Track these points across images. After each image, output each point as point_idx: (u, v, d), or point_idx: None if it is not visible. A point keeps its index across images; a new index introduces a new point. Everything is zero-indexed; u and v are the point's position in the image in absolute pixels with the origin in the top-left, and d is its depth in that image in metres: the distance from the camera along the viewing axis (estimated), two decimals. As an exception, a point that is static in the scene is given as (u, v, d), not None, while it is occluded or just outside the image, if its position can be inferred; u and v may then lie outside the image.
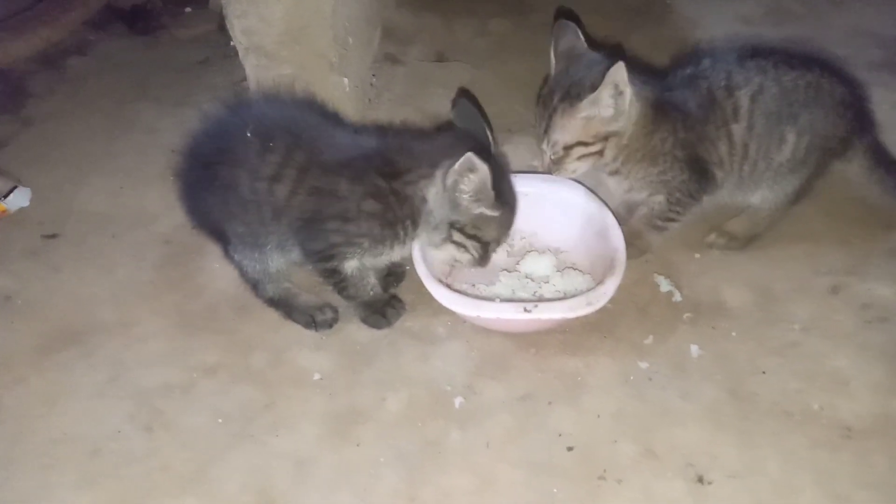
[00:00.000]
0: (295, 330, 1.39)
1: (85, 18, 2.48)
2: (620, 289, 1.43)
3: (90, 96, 2.25)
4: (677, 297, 1.44)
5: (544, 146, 1.37)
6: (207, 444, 1.19)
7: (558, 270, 1.48)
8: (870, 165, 1.48)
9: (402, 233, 1.29)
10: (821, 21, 2.44)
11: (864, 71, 1.68)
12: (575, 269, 1.45)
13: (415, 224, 1.28)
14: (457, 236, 1.27)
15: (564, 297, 1.36)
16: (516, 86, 2.19)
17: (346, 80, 1.78)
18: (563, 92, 1.32)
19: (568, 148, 1.34)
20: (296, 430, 1.21)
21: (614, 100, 1.28)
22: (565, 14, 1.74)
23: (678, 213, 1.44)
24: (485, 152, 1.23)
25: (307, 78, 1.71)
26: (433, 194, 1.25)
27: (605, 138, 1.33)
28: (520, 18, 2.62)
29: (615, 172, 1.41)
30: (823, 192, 1.54)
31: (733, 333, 1.36)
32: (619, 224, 1.42)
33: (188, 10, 2.68)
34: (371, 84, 2.12)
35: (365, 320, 1.39)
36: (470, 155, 1.16)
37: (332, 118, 1.46)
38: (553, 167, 1.39)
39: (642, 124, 1.34)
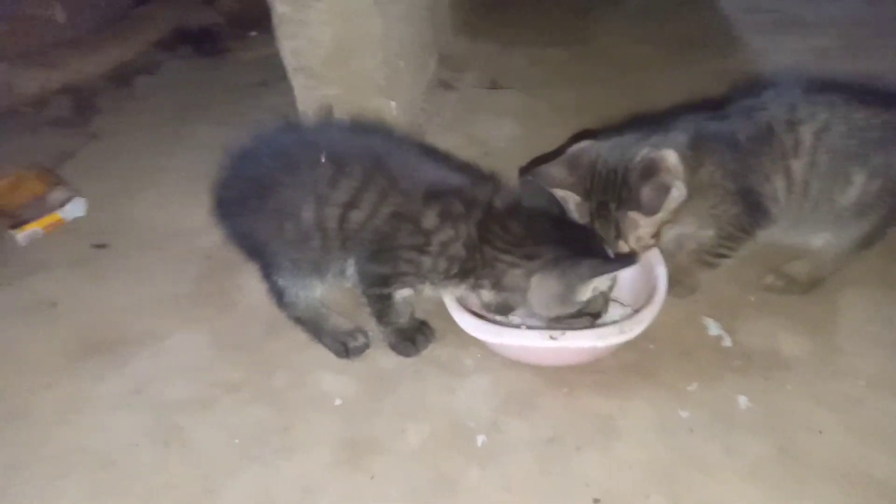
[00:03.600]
0: (320, 351, 1.36)
1: (155, 39, 2.59)
2: (664, 329, 1.35)
3: (153, 114, 2.33)
4: (727, 341, 1.34)
5: (622, 246, 1.30)
6: (218, 464, 1.16)
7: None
8: None
9: (476, 285, 1.24)
10: (896, 56, 2.30)
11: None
12: (615, 301, 1.37)
13: (495, 287, 1.23)
14: (562, 323, 1.23)
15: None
16: (567, 114, 2.15)
17: (393, 103, 1.77)
18: (618, 198, 1.24)
19: (655, 235, 1.28)
20: (309, 456, 1.17)
21: (677, 178, 1.22)
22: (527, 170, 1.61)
23: (730, 248, 1.35)
24: (586, 237, 1.22)
25: (353, 100, 1.71)
26: (532, 293, 1.19)
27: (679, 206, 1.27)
28: (577, 48, 2.59)
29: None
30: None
31: (788, 386, 1.24)
32: (668, 259, 1.34)
33: (253, 34, 2.77)
34: (422, 109, 2.11)
35: (394, 347, 1.34)
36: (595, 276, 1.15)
37: (411, 145, 1.42)
38: (642, 249, 1.32)
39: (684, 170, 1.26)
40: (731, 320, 1.38)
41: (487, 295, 1.24)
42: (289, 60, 1.67)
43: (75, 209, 1.80)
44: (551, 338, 1.16)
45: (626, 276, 1.39)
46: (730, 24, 2.73)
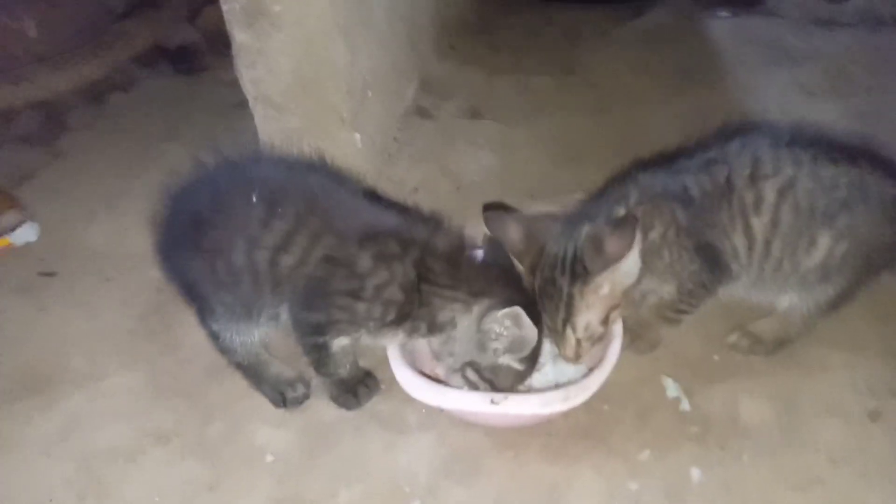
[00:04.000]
0: (259, 400, 1.30)
1: (132, 56, 2.54)
2: (621, 388, 1.29)
3: (123, 133, 2.28)
4: (685, 405, 1.27)
5: (570, 335, 1.20)
6: (136, 525, 1.10)
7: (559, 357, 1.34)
8: None
9: (412, 329, 1.18)
10: (889, 94, 2.23)
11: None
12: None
13: (430, 331, 1.17)
14: (470, 374, 1.17)
15: (545, 390, 1.22)
16: (546, 146, 2.10)
17: (357, 135, 1.71)
18: (570, 274, 1.16)
19: (604, 322, 1.20)
20: (233, 520, 1.11)
21: (631, 251, 1.13)
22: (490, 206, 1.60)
23: (690, 304, 1.29)
24: (531, 306, 1.14)
25: (315, 131, 1.66)
26: (464, 326, 1.15)
27: (631, 286, 1.21)
28: (565, 77, 2.53)
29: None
30: (877, 291, 1.35)
31: (745, 457, 1.18)
32: (629, 314, 1.28)
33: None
34: (394, 138, 2.06)
35: (334, 398, 1.28)
36: (520, 311, 1.08)
37: (351, 184, 1.35)
38: (586, 350, 1.22)
39: None
40: (691, 381, 1.31)
41: (434, 342, 1.18)
42: (248, 90, 1.62)
43: (27, 234, 1.75)
44: (493, 402, 1.10)
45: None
46: (721, 56, 2.67)
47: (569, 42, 2.79)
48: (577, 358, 1.20)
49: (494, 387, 1.18)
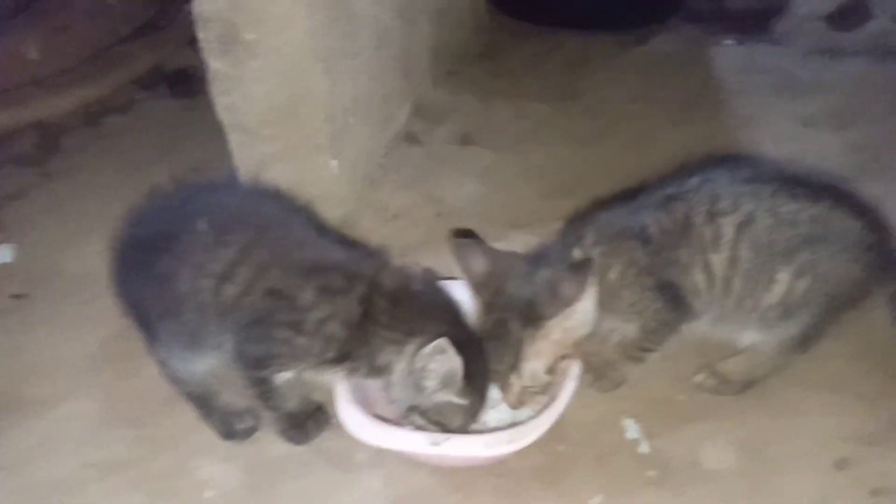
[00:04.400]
0: (210, 433, 1.28)
1: (130, 79, 2.57)
2: (580, 428, 1.25)
3: (117, 155, 2.30)
4: (644, 447, 1.22)
5: (514, 381, 1.17)
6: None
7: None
8: (893, 317, 1.23)
9: (352, 369, 1.15)
10: (893, 125, 2.17)
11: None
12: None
13: (371, 372, 1.14)
14: (417, 420, 1.13)
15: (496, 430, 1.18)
16: (536, 175, 2.07)
17: (334, 162, 1.70)
18: (522, 317, 1.13)
19: (550, 371, 1.17)
20: (165, 557, 1.08)
21: (585, 300, 1.12)
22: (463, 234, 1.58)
23: (654, 342, 1.25)
24: (463, 330, 1.12)
25: (290, 158, 1.66)
26: (399, 369, 1.11)
27: (583, 336, 1.18)
28: (561, 104, 2.50)
29: None
30: (858, 330, 1.30)
31: (702, 506, 1.12)
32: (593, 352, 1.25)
33: (229, 77, 2.73)
34: (379, 164, 2.05)
35: (283, 433, 1.25)
36: (443, 342, 1.04)
37: (303, 217, 1.33)
38: (529, 398, 1.19)
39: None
40: (653, 422, 1.26)
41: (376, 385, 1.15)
42: (223, 116, 1.62)
43: (2, 255, 1.76)
44: (433, 443, 1.06)
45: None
46: (722, 85, 2.63)
47: (571, 69, 2.76)
48: (519, 405, 1.17)
49: (446, 428, 1.14)
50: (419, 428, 1.14)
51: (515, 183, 2.05)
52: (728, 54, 2.79)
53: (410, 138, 2.25)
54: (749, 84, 2.57)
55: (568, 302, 1.10)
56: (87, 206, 2.01)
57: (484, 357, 1.14)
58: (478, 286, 1.20)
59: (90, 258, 1.77)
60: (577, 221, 1.30)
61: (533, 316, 1.12)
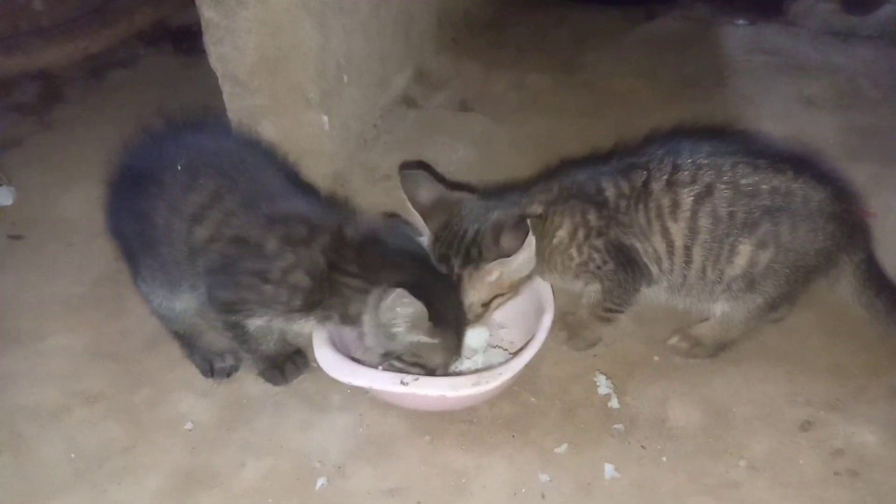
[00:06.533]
0: (190, 370, 1.31)
1: (133, 33, 2.58)
2: (552, 382, 1.28)
3: (117, 108, 2.32)
4: (614, 402, 1.24)
5: None
6: (46, 482, 1.12)
7: (492, 347, 1.33)
8: (857, 286, 1.24)
9: (323, 318, 1.17)
10: (893, 108, 2.16)
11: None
12: (500, 348, 1.30)
13: (343, 320, 1.16)
14: (395, 364, 1.15)
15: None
16: (529, 145, 2.07)
17: (325, 118, 1.72)
18: (463, 255, 1.16)
19: (486, 305, 1.20)
20: (139, 482, 1.12)
21: (522, 251, 1.14)
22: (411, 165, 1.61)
23: (616, 303, 1.27)
24: (427, 273, 1.14)
25: (279, 111, 1.67)
26: (367, 319, 1.13)
27: (519, 280, 1.21)
28: (562, 76, 2.49)
29: (539, 274, 1.26)
30: (827, 301, 1.32)
31: (664, 458, 1.15)
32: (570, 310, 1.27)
33: (233, 35, 2.74)
34: (374, 125, 2.06)
35: (262, 373, 1.28)
36: (400, 291, 1.05)
37: (281, 168, 1.34)
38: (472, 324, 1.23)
39: (539, 231, 1.20)
40: (625, 380, 1.28)
41: (349, 333, 1.17)
42: (216, 66, 1.64)
43: (2, 198, 1.79)
44: (402, 382, 1.09)
45: (525, 322, 1.32)
46: (727, 64, 2.61)
47: (575, 42, 2.75)
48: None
49: (426, 368, 1.16)
50: (398, 371, 1.16)
51: (508, 151, 2.05)
52: (738, 34, 2.77)
53: (407, 101, 2.26)
54: (755, 63, 2.55)
55: (506, 252, 1.12)
56: (84, 155, 2.02)
57: (454, 294, 1.17)
58: (425, 216, 1.23)
59: (85, 204, 1.80)
60: (544, 177, 1.32)
61: (472, 257, 1.15)
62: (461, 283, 1.16)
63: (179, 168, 1.15)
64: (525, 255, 1.14)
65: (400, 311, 1.07)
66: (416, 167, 1.38)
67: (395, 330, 1.10)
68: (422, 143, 2.05)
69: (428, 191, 1.23)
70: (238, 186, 1.16)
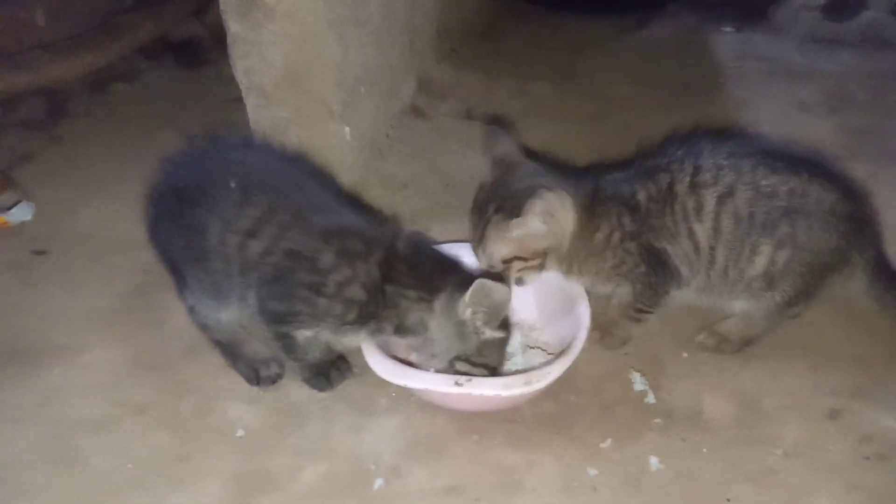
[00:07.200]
0: (234, 378, 1.33)
1: (136, 48, 2.59)
2: (589, 381, 1.32)
3: (123, 122, 2.33)
4: (650, 398, 1.29)
5: (480, 255, 1.30)
6: (106, 490, 1.13)
7: (529, 348, 1.37)
8: (869, 282, 1.31)
9: (377, 330, 1.20)
10: (883, 109, 2.25)
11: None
12: (539, 349, 1.34)
13: (398, 332, 1.20)
14: (462, 367, 1.19)
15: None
16: (536, 151, 2.11)
17: (347, 128, 1.75)
18: (499, 203, 1.24)
19: (506, 262, 1.26)
20: (198, 489, 1.14)
21: (545, 222, 1.21)
22: (497, 121, 1.74)
23: (648, 305, 1.32)
24: (466, 270, 1.21)
25: (305, 123, 1.70)
26: (435, 325, 1.17)
27: (544, 253, 1.26)
28: (562, 83, 2.55)
29: (568, 274, 1.32)
30: (840, 296, 1.37)
31: (704, 450, 1.20)
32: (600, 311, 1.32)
33: (236, 48, 2.75)
34: (387, 135, 2.09)
35: (307, 381, 1.31)
36: (484, 281, 1.11)
37: (324, 182, 1.39)
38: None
39: (579, 228, 1.26)
40: (658, 376, 1.33)
41: (408, 343, 1.22)
42: (241, 79, 1.66)
43: (22, 213, 1.79)
44: (457, 384, 1.13)
45: (557, 323, 1.36)
46: (720, 70, 2.69)
47: (572, 50, 2.81)
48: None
49: (489, 369, 1.21)
50: (462, 375, 1.19)
51: (519, 157, 2.09)
52: (726, 41, 2.86)
53: (416, 111, 2.30)
54: (746, 70, 2.64)
55: (527, 213, 1.19)
56: (96, 168, 2.04)
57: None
58: (490, 166, 1.32)
59: (103, 218, 1.82)
60: (585, 173, 1.38)
61: (505, 208, 1.22)
62: (487, 229, 1.23)
63: (232, 185, 1.18)
64: (541, 225, 1.21)
65: (483, 301, 1.11)
66: (497, 125, 1.51)
67: (478, 324, 1.14)
68: (435, 152, 2.09)
69: (501, 146, 1.32)
70: (291, 201, 1.19)
